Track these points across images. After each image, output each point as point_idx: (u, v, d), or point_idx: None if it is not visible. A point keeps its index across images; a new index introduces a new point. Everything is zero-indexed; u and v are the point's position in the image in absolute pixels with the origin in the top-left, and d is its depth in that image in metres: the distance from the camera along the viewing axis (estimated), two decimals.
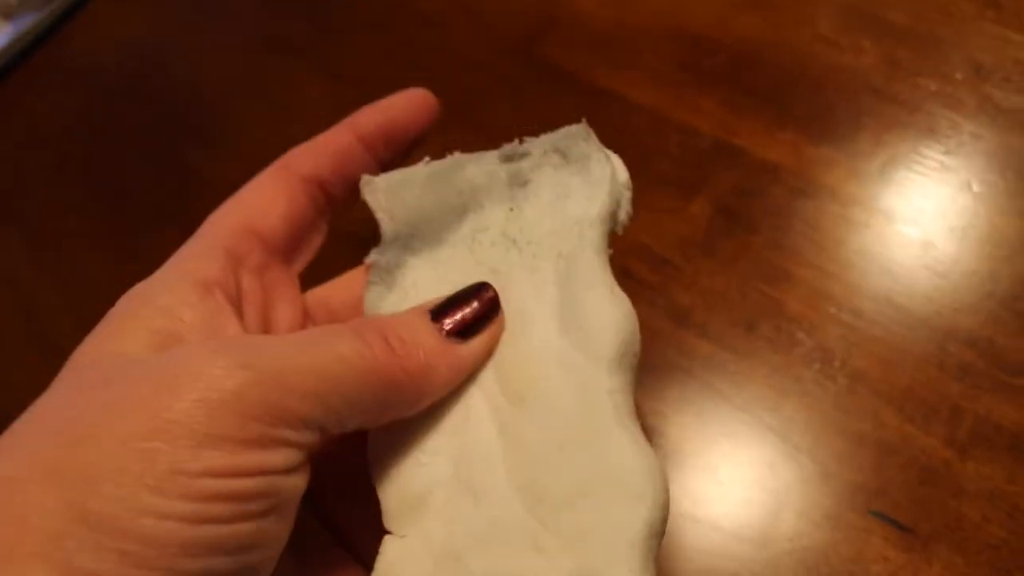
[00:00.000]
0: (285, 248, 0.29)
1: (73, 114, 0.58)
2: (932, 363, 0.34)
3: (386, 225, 0.29)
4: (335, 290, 0.32)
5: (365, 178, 0.30)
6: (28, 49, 0.63)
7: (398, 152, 0.31)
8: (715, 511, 0.33)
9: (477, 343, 0.25)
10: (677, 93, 0.45)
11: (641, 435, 0.23)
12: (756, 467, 0.33)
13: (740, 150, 0.42)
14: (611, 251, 0.27)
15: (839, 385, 0.34)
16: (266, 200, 0.29)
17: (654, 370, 0.36)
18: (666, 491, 0.23)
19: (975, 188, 0.38)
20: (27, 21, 0.63)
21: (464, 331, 0.25)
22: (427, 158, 0.30)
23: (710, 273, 0.38)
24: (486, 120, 0.47)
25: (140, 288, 0.25)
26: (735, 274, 0.38)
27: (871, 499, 0.32)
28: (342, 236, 0.32)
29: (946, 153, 0.39)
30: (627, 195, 0.28)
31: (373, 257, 0.29)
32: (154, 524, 0.19)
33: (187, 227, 0.28)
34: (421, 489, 0.25)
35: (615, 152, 0.28)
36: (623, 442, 0.23)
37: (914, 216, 0.38)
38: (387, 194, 0.29)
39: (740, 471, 0.34)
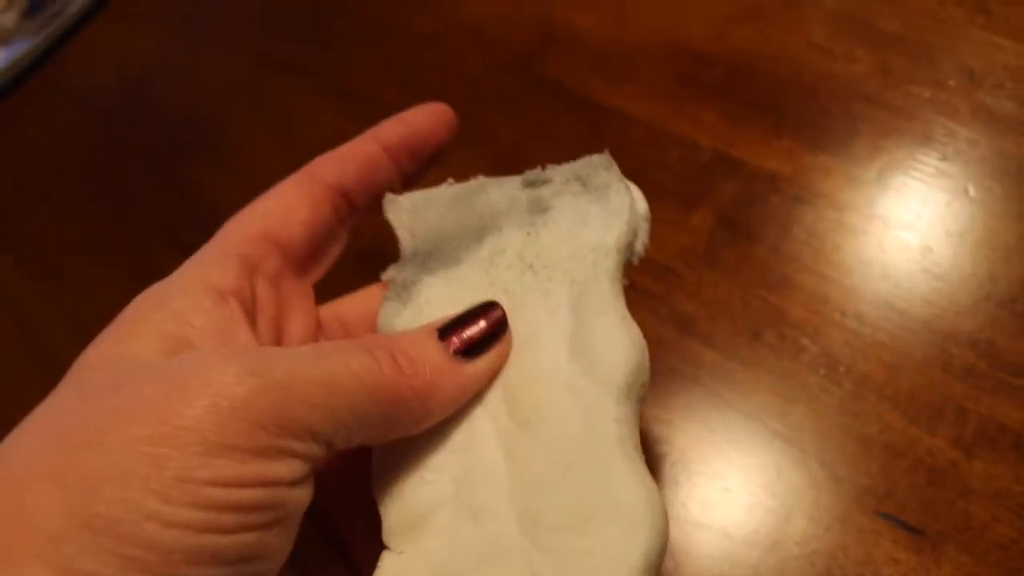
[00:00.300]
0: (303, 257, 0.29)
1: (72, 135, 0.59)
2: (935, 365, 0.34)
3: (406, 243, 0.30)
4: (350, 305, 0.31)
5: (389, 196, 0.30)
6: (24, 73, 0.63)
7: (420, 164, 0.31)
8: (724, 517, 0.33)
9: (483, 363, 0.26)
10: (676, 106, 0.45)
11: (644, 467, 0.24)
12: (764, 473, 0.34)
13: (739, 161, 0.42)
14: (626, 281, 0.27)
15: (844, 390, 0.35)
16: (288, 207, 0.29)
17: (660, 378, 0.37)
18: (666, 524, 0.23)
19: (971, 193, 0.38)
20: (23, 46, 0.63)
21: (471, 350, 0.25)
22: (450, 180, 0.30)
23: (713, 282, 0.39)
24: (485, 136, 0.47)
25: (153, 291, 0.25)
26: (738, 283, 0.38)
27: (879, 501, 0.32)
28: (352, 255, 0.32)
29: (942, 159, 0.40)
30: (645, 227, 0.28)
31: (391, 273, 0.29)
32: (158, 530, 0.19)
33: (188, 244, 0.28)
34: (423, 507, 0.25)
35: (632, 181, 0.28)
36: (626, 473, 0.23)
37: (912, 221, 0.38)
38: (410, 213, 0.30)
39: (748, 477, 0.34)
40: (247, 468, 0.20)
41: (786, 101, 0.44)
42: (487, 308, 0.26)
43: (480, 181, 0.30)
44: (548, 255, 0.27)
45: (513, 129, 0.47)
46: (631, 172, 0.29)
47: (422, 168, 0.32)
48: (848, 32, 0.45)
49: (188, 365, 0.21)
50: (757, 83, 0.45)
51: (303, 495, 0.22)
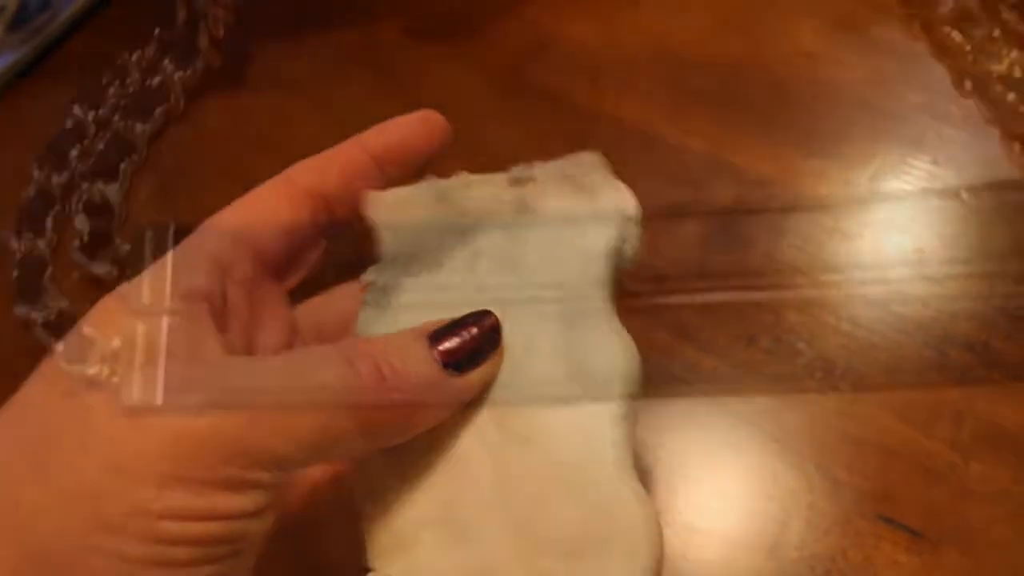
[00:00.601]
0: (279, 262, 0.28)
1: (56, 146, 0.58)
2: (932, 368, 0.34)
3: (386, 243, 0.28)
4: (325, 304, 0.30)
5: (371, 194, 0.29)
6: (8, 86, 0.63)
7: (408, 173, 0.30)
8: (721, 523, 0.33)
9: (475, 376, 0.24)
10: (668, 113, 0.45)
11: (640, 487, 0.23)
12: (761, 477, 0.34)
13: (732, 166, 0.42)
14: (616, 287, 0.26)
15: (841, 394, 0.35)
16: (265, 211, 0.27)
17: (655, 385, 0.36)
18: (661, 547, 0.22)
19: (964, 196, 0.38)
20: (8, 58, 0.63)
21: (462, 361, 0.24)
22: (432, 176, 0.29)
23: (708, 288, 0.39)
24: (475, 143, 0.47)
25: (120, 292, 0.24)
26: (732, 288, 0.38)
27: (878, 504, 0.32)
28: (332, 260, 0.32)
29: (934, 163, 0.40)
30: (636, 231, 0.27)
31: (370, 276, 0.28)
32: (108, 565, 0.18)
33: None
34: (409, 527, 0.24)
35: (619, 179, 0.28)
36: (622, 494, 0.23)
37: (905, 225, 0.38)
38: (390, 211, 0.28)
39: (745, 482, 0.34)
40: (205, 501, 0.19)
41: (778, 107, 0.44)
42: (480, 316, 0.25)
43: (464, 178, 0.29)
44: (535, 258, 0.26)
45: (504, 137, 0.47)
46: (624, 179, 0.28)
47: (409, 176, 0.30)
48: (840, 38, 0.45)
49: None
50: (749, 89, 0.45)
51: (265, 523, 0.21)
